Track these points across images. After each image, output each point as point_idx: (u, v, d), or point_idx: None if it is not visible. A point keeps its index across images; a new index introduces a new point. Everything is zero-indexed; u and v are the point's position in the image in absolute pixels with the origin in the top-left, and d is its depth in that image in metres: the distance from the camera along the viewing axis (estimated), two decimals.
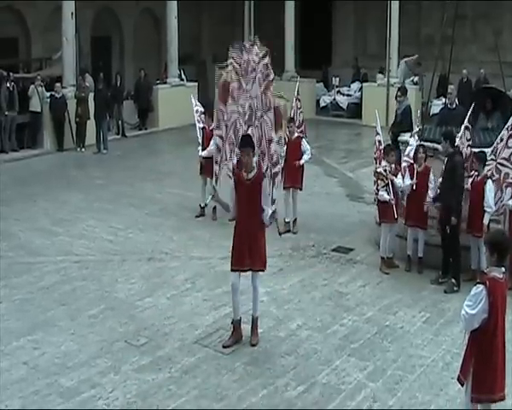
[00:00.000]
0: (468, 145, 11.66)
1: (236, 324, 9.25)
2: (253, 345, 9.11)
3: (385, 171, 11.78)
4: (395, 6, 25.85)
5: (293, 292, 10.99)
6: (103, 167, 19.92)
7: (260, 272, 9.24)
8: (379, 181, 11.93)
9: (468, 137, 11.74)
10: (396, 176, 11.80)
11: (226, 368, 8.59)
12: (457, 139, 11.42)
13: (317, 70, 30.52)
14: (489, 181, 11.09)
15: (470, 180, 11.32)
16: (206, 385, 8.21)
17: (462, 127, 11.66)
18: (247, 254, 9.01)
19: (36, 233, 13.74)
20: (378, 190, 11.94)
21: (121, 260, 12.31)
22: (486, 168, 11.19)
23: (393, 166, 11.89)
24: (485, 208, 11.01)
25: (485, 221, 11.00)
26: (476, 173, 11.25)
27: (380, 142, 12.41)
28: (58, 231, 13.84)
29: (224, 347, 9.08)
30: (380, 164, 12.09)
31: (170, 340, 9.27)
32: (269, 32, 29.48)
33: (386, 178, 11.75)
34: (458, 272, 11.07)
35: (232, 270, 9.11)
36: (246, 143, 8.97)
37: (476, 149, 11.60)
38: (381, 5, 26.60)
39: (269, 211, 8.93)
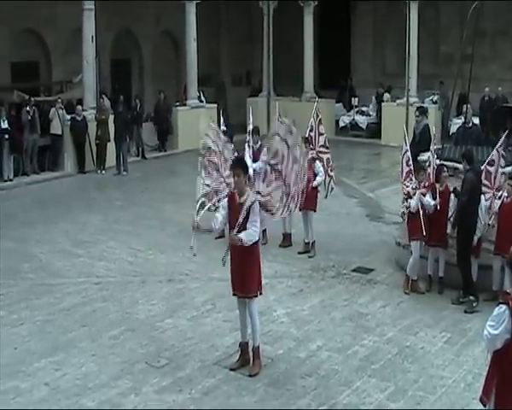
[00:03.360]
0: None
1: (243, 346, 9.16)
2: (251, 375, 8.85)
3: (414, 188, 11.66)
4: (414, 24, 25.81)
5: (314, 313, 10.96)
6: (123, 189, 20.04)
7: (255, 298, 8.94)
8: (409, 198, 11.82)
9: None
10: (425, 195, 11.68)
11: (247, 389, 8.57)
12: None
13: (334, 89, 30.60)
14: None
15: (499, 202, 11.27)
16: (227, 406, 8.20)
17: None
18: (238, 280, 8.87)
19: (57, 255, 13.82)
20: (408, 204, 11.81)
21: (141, 281, 12.35)
22: None
23: (422, 184, 11.77)
24: None
25: None
26: (506, 195, 11.18)
27: (409, 158, 12.10)
28: (79, 253, 13.91)
29: (230, 369, 9.03)
30: (410, 181, 11.87)
31: (190, 361, 9.27)
32: (288, 51, 29.72)
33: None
34: (474, 289, 11.01)
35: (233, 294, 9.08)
36: (236, 163, 8.98)
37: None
38: (400, 24, 26.63)
39: (251, 233, 8.63)
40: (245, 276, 8.82)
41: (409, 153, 12.13)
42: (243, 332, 9.15)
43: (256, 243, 8.82)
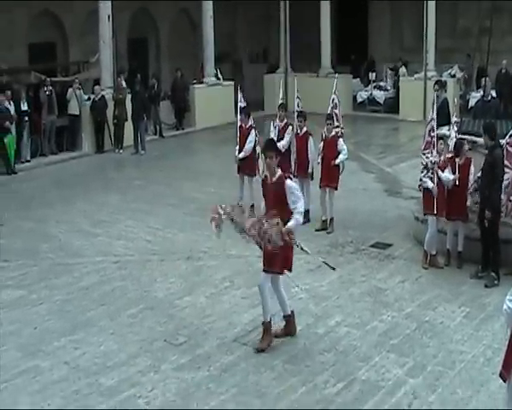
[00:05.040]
0: None
1: (287, 318, 9.24)
2: (257, 350, 8.88)
3: (433, 163, 11.54)
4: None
5: (332, 289, 10.95)
6: (141, 168, 20.07)
7: (280, 275, 9.05)
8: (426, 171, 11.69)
9: None
10: (444, 170, 11.57)
11: (265, 366, 8.58)
12: None
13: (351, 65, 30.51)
14: None
15: None
16: (245, 383, 8.22)
17: None
18: (267, 254, 8.85)
19: (75, 235, 13.87)
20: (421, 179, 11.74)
21: (160, 259, 12.38)
22: None
23: (442, 157, 11.65)
24: None
25: None
26: None
27: (433, 128, 11.82)
28: (97, 232, 13.95)
29: (275, 336, 9.07)
30: (430, 153, 11.72)
31: (209, 338, 9.29)
32: (305, 28, 29.53)
33: (433, 170, 11.52)
34: (498, 266, 10.93)
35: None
36: (269, 146, 9.18)
37: None
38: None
39: (298, 219, 8.77)
40: (281, 251, 8.75)
41: (434, 122, 11.88)
42: (283, 306, 9.21)
43: None
